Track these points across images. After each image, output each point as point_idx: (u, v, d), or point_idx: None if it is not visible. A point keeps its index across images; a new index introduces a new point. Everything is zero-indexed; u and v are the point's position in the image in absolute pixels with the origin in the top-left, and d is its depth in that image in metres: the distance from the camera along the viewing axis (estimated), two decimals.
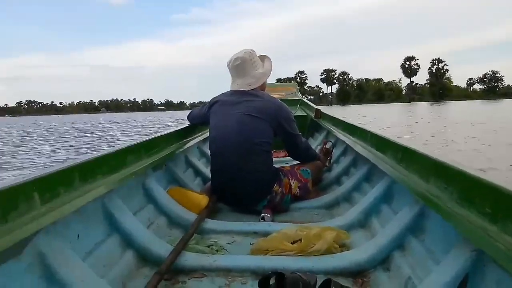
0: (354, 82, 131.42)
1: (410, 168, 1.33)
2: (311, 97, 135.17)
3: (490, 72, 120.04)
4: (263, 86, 2.18)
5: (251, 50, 2.14)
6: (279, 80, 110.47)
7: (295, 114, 4.25)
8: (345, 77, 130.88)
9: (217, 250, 1.45)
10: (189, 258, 1.31)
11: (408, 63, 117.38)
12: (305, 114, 4.40)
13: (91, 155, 1.31)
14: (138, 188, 1.70)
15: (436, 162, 1.11)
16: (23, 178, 0.95)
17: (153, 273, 1.12)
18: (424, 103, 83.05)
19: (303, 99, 4.88)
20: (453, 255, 0.94)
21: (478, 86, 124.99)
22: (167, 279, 1.21)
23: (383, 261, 1.27)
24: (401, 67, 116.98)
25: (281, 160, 3.11)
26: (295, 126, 2.13)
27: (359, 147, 2.08)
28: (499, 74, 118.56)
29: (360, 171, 2.12)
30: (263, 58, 2.23)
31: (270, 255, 1.36)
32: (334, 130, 2.99)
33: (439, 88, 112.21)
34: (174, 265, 1.24)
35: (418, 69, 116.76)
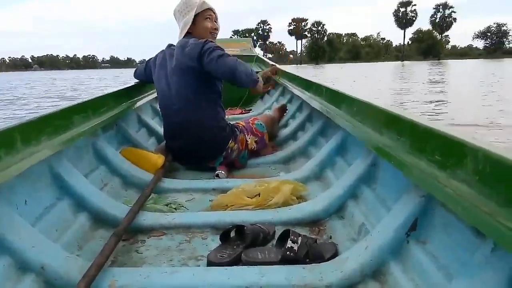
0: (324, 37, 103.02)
1: (364, 121, 1.36)
2: (270, 55, 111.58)
3: (495, 25, 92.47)
4: (199, 32, 1.97)
5: (180, 2, 2.01)
6: (236, 32, 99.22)
7: None
8: (319, 28, 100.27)
9: (175, 208, 1.44)
10: (147, 218, 1.29)
11: (402, 9, 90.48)
12: (260, 70, 4.35)
13: (33, 115, 1.21)
14: (87, 149, 1.62)
15: (389, 114, 1.14)
16: None
17: (111, 235, 1.09)
18: (420, 63, 58.26)
19: (258, 55, 4.82)
20: (403, 202, 0.99)
21: (477, 43, 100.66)
22: (125, 239, 1.19)
23: (337, 210, 1.33)
24: (393, 15, 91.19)
25: (236, 117, 3.09)
26: (215, 50, 1.81)
27: (315, 102, 2.09)
28: (506, 27, 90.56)
29: (315, 125, 2.16)
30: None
31: (229, 210, 1.38)
32: (289, 86, 2.99)
33: (430, 45, 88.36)
34: (132, 225, 1.22)
35: (415, 18, 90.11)
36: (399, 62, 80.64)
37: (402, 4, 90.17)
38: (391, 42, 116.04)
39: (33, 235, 0.98)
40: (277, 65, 3.88)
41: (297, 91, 2.66)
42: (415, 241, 0.92)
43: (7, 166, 0.96)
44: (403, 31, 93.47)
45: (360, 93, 1.52)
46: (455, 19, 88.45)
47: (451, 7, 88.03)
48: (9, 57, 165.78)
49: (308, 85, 2.45)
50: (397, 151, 1.01)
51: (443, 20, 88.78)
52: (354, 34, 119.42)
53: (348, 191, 1.34)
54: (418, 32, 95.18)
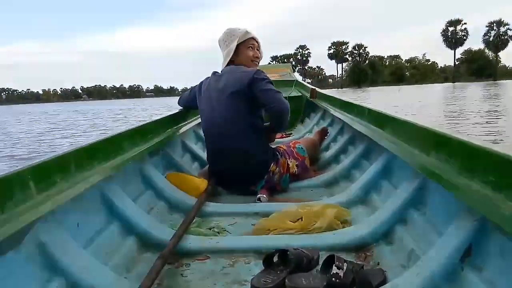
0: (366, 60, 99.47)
1: (410, 142, 1.32)
2: (309, 81, 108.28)
3: None
4: (241, 60, 2.06)
5: (227, 29, 2.10)
6: (274, 58, 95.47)
7: (290, 95, 4.26)
8: (360, 51, 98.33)
9: (219, 232, 1.45)
10: (192, 241, 1.31)
11: (452, 28, 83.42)
12: (300, 94, 4.37)
13: (86, 142, 1.28)
14: (135, 174, 1.69)
15: (437, 134, 1.10)
16: (17, 167, 0.93)
17: (157, 258, 1.11)
18: (475, 84, 52.08)
19: (298, 80, 4.86)
20: (455, 226, 0.94)
21: None
22: (170, 263, 1.21)
23: (385, 235, 1.27)
24: (441, 35, 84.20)
25: (277, 141, 3.09)
26: (267, 84, 1.92)
27: (357, 124, 2.06)
28: None
29: (358, 148, 2.12)
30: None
31: (272, 235, 1.37)
32: (330, 109, 2.98)
33: (482, 65, 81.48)
34: (177, 249, 1.24)
35: (466, 37, 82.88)
36: (450, 83, 73.75)
37: (450, 23, 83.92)
38: (436, 63, 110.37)
39: (84, 258, 1.02)
40: (317, 88, 3.89)
41: (338, 113, 2.64)
42: (470, 268, 0.86)
43: (61, 190, 1.02)
44: (452, 51, 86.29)
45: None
46: (511, 37, 79.97)
47: (507, 24, 79.41)
48: (61, 88, 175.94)
49: (349, 107, 2.43)
50: (447, 172, 0.97)
51: (498, 38, 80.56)
52: (397, 56, 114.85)
53: (396, 215, 1.28)
54: (468, 52, 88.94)
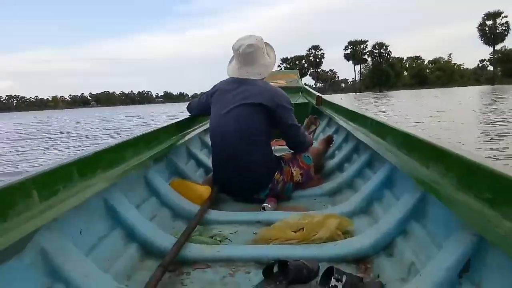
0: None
1: (410, 154, 1.32)
2: (320, 85, 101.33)
3: None
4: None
5: (260, 37, 2.09)
6: (285, 60, 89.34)
7: (296, 102, 4.27)
8: (381, 50, 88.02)
9: (220, 241, 1.46)
10: (193, 250, 1.32)
11: (490, 22, 72.98)
12: (307, 101, 4.38)
13: (90, 150, 1.30)
14: (139, 181, 1.70)
15: (435, 147, 1.10)
16: (21, 176, 0.95)
17: (157, 266, 1.12)
18: None
19: (305, 86, 4.87)
20: (454, 240, 0.93)
21: None
22: (171, 271, 1.22)
23: (386, 247, 1.27)
24: (478, 30, 73.88)
25: (283, 148, 3.10)
26: (292, 115, 2.04)
27: (360, 133, 2.06)
28: None
29: (361, 157, 2.12)
30: (267, 46, 2.19)
31: (273, 244, 1.37)
32: (335, 117, 2.98)
33: None
34: (178, 257, 1.25)
35: (508, 31, 72.21)
36: (487, 86, 63.45)
37: (488, 16, 72.90)
38: (459, 65, 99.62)
39: (86, 265, 1.04)
40: (323, 96, 3.90)
41: (342, 122, 2.64)
42: (468, 283, 0.86)
43: (64, 199, 1.04)
44: (490, 48, 75.16)
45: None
46: None
47: None
48: (70, 95, 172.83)
49: (353, 116, 2.43)
50: (445, 187, 0.97)
51: None
52: (418, 58, 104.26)
53: (397, 227, 1.28)
54: (500, 51, 78.16)
